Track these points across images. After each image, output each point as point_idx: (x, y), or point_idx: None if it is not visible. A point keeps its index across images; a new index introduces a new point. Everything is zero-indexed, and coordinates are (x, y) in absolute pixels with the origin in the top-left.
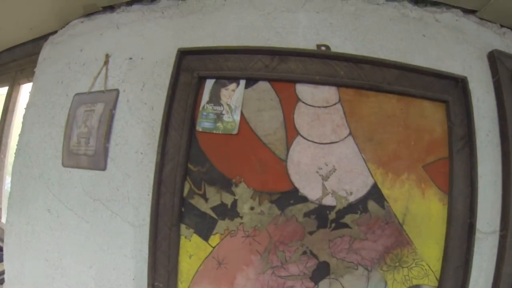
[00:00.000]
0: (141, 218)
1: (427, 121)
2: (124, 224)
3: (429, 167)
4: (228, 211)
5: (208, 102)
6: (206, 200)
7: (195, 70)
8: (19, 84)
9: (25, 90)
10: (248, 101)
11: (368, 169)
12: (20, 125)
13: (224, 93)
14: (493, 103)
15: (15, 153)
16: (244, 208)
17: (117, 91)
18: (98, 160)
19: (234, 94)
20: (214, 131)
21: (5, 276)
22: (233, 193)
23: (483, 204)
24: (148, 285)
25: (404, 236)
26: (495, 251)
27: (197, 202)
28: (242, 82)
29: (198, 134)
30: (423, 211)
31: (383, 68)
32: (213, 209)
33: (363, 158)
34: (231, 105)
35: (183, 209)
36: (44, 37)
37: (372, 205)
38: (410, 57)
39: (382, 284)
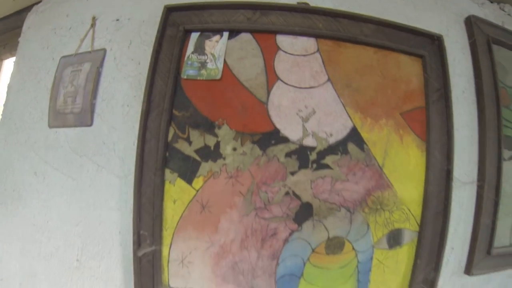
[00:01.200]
0: (126, 169)
1: (403, 73)
2: (110, 177)
3: (406, 115)
4: (211, 153)
5: (192, 53)
6: (190, 143)
7: (180, 24)
8: (2, 60)
9: (8, 65)
10: (231, 50)
11: (347, 112)
12: (5, 95)
13: (208, 44)
14: (469, 63)
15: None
16: (226, 149)
17: (104, 50)
18: (85, 117)
19: (217, 45)
20: (198, 78)
21: None
22: (216, 135)
23: (461, 155)
24: (133, 234)
25: (384, 179)
26: (473, 201)
27: (181, 146)
28: (226, 34)
29: (183, 81)
30: (402, 156)
31: (360, 22)
32: (197, 151)
33: (342, 103)
34: (215, 54)
35: (167, 154)
36: (28, 8)
37: (352, 147)
38: (387, 16)
39: (365, 226)
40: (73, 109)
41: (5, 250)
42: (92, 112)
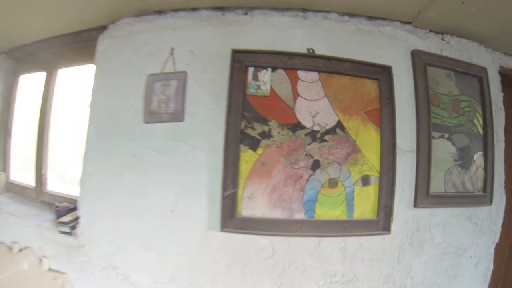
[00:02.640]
0: (211, 146)
1: (367, 89)
2: (200, 152)
3: (368, 113)
4: (266, 135)
5: (251, 79)
6: (254, 130)
7: (243, 62)
8: (57, 69)
9: (62, 74)
10: (273, 79)
11: (335, 112)
12: (91, 98)
13: (260, 74)
14: (411, 80)
15: (89, 120)
16: (274, 132)
17: (185, 72)
18: (178, 115)
19: (265, 75)
20: (256, 94)
21: (81, 219)
22: (268, 125)
23: (403, 135)
24: (222, 182)
25: (357, 147)
26: (414, 162)
27: (249, 131)
28: (269, 69)
29: (247, 96)
30: (366, 135)
31: (342, 62)
32: (258, 134)
33: (332, 108)
34: (264, 81)
35: (241, 136)
36: (88, 30)
37: (338, 130)
38: (360, 55)
39: (348, 172)
40: (167, 111)
41: (99, 216)
42: (183, 112)
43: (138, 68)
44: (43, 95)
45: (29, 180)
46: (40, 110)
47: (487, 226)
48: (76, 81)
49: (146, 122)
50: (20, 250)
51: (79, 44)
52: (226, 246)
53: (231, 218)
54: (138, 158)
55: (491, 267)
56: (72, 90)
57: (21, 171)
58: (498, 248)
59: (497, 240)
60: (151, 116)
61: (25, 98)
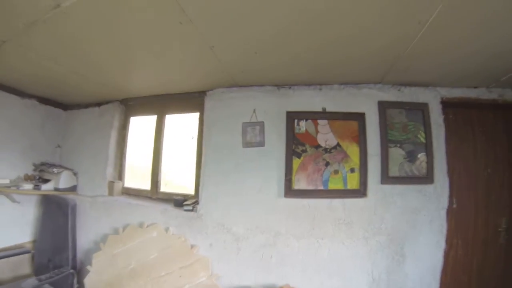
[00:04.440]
0: (278, 158)
1: (352, 126)
2: (272, 160)
3: (352, 138)
4: (304, 151)
5: (296, 125)
6: (298, 149)
7: (292, 116)
8: (165, 114)
9: (168, 119)
10: (306, 124)
11: (336, 139)
12: (204, 134)
13: (300, 122)
14: (377, 118)
15: (205, 145)
16: (308, 150)
17: (263, 122)
18: (261, 143)
19: (302, 123)
20: (299, 132)
21: (201, 201)
22: (305, 146)
23: (372, 146)
24: (285, 176)
25: (347, 155)
26: (379, 161)
27: (296, 149)
28: (304, 120)
29: (295, 133)
30: (351, 148)
31: (339, 113)
32: (301, 151)
33: (334, 136)
34: (302, 126)
35: (292, 152)
36: (191, 92)
37: (338, 147)
38: (348, 108)
39: (343, 167)
40: (255, 140)
41: (213, 198)
42: (264, 142)
43: (235, 118)
44: (156, 130)
45: (143, 186)
46: (154, 140)
47: (435, 197)
48: (181, 122)
49: (244, 147)
50: (148, 226)
51: (185, 100)
52: (286, 205)
53: (289, 191)
54: (239, 166)
55: (445, 225)
56: (177, 128)
57: (132, 181)
58: (453, 213)
59: (446, 207)
60: (246, 144)
61: (137, 133)
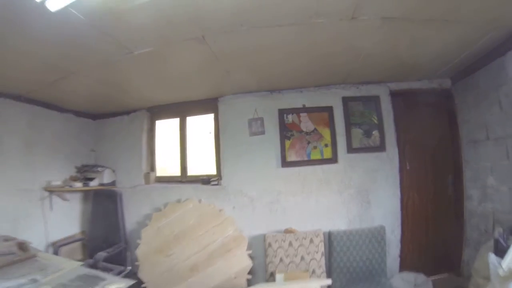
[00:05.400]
0: (275, 142)
1: (324, 116)
2: (271, 144)
3: (325, 123)
4: (292, 135)
5: (285, 118)
6: (288, 133)
7: (283, 113)
8: (186, 117)
9: (189, 120)
10: (293, 117)
11: (313, 125)
12: (220, 129)
13: (288, 116)
14: (341, 109)
15: (222, 138)
16: (294, 134)
17: (262, 117)
18: (262, 132)
19: (290, 116)
20: (288, 122)
21: (224, 176)
22: (292, 132)
23: (339, 128)
24: (280, 151)
25: (322, 135)
26: (344, 139)
27: (287, 134)
28: (291, 114)
29: (286, 124)
30: (324, 131)
31: (315, 107)
32: (290, 135)
33: (312, 123)
34: (290, 118)
35: (284, 136)
36: (206, 99)
37: (315, 131)
38: (321, 103)
39: (320, 143)
40: (258, 130)
41: (232, 173)
42: (264, 131)
43: (242, 117)
44: (180, 128)
45: (173, 173)
46: (180, 136)
47: (387, 161)
48: (199, 122)
49: (250, 136)
50: (184, 201)
51: (201, 105)
52: (283, 173)
53: (284, 163)
54: (248, 149)
55: (398, 180)
56: (197, 126)
57: (163, 170)
58: (407, 173)
59: (397, 167)
60: (252, 134)
61: (162, 133)
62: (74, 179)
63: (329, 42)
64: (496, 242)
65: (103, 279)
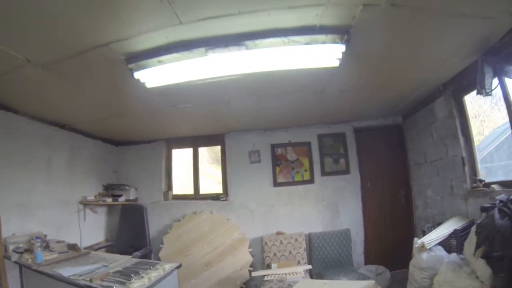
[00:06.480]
0: (268, 168)
1: (304, 149)
2: (265, 170)
3: (305, 155)
4: (281, 163)
5: (276, 150)
6: (278, 162)
7: (274, 146)
8: (198, 147)
9: (201, 150)
10: (281, 150)
11: (296, 156)
12: (226, 158)
13: (278, 149)
14: (317, 144)
15: (228, 165)
16: (282, 162)
17: (259, 150)
18: (258, 161)
19: (279, 149)
20: (278, 154)
21: (230, 194)
22: (281, 161)
23: (315, 159)
24: (272, 175)
25: (303, 164)
26: (319, 166)
27: (278, 163)
28: (281, 148)
29: (277, 155)
30: (304, 160)
31: (297, 143)
32: (278, 163)
33: (295, 154)
34: (280, 151)
35: (276, 164)
36: (214, 135)
37: (297, 160)
38: (302, 139)
39: (302, 169)
40: (256, 160)
41: (237, 191)
42: (260, 160)
43: (244, 149)
44: (193, 156)
45: (186, 191)
46: (193, 163)
47: (352, 180)
48: (207, 152)
49: (250, 164)
50: (199, 213)
51: (210, 139)
52: (275, 190)
53: (275, 183)
54: (248, 173)
55: (360, 196)
56: (206, 155)
57: (177, 190)
58: (369, 190)
59: (359, 186)
60: (251, 162)
61: (177, 159)
62: (103, 195)
63: (308, 103)
64: (423, 232)
65: (156, 263)
